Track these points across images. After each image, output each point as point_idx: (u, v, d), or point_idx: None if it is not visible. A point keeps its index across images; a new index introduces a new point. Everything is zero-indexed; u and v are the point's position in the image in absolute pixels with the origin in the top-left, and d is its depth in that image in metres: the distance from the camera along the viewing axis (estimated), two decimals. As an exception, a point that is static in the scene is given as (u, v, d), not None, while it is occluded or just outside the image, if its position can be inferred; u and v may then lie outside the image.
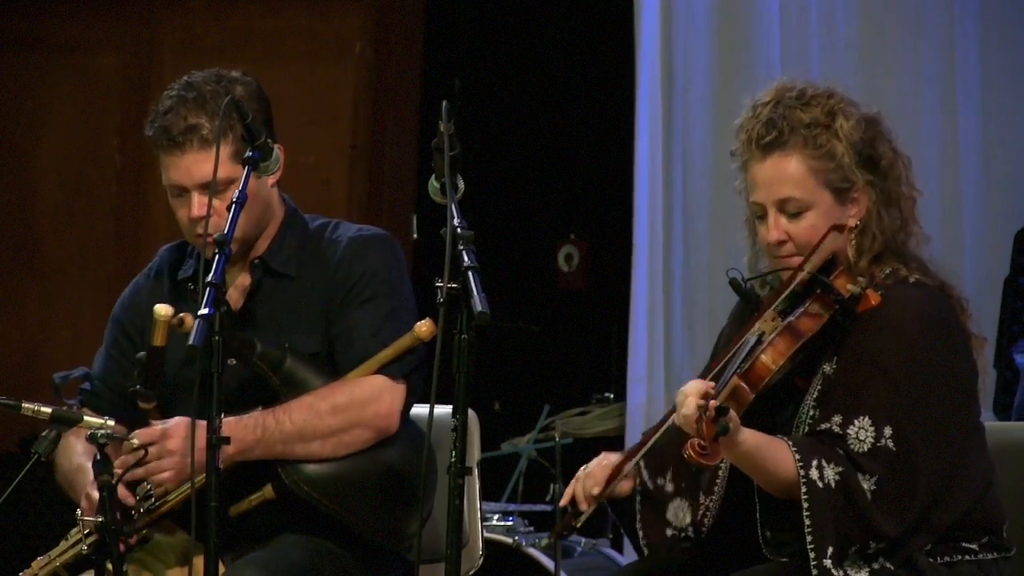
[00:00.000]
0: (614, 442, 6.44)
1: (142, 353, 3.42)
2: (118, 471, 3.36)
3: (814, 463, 3.13)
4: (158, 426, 3.45)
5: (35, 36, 7.15)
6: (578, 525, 3.44)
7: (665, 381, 6.33)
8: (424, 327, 3.51)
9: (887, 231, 3.27)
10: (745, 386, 3.17)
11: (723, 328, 3.58)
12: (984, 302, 6.01)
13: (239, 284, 3.65)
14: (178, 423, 3.45)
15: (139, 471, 3.43)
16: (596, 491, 3.38)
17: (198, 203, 3.51)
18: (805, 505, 3.12)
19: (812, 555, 3.11)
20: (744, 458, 3.16)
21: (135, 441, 3.42)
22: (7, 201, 7.11)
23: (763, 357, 3.18)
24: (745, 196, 3.34)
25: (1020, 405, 5.41)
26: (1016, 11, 6.30)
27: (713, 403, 3.05)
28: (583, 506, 3.38)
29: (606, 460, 3.44)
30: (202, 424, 3.19)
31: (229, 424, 3.36)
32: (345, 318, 3.57)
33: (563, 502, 3.42)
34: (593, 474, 3.41)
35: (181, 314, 3.35)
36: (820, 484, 3.12)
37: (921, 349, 3.19)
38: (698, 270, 6.42)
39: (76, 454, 3.60)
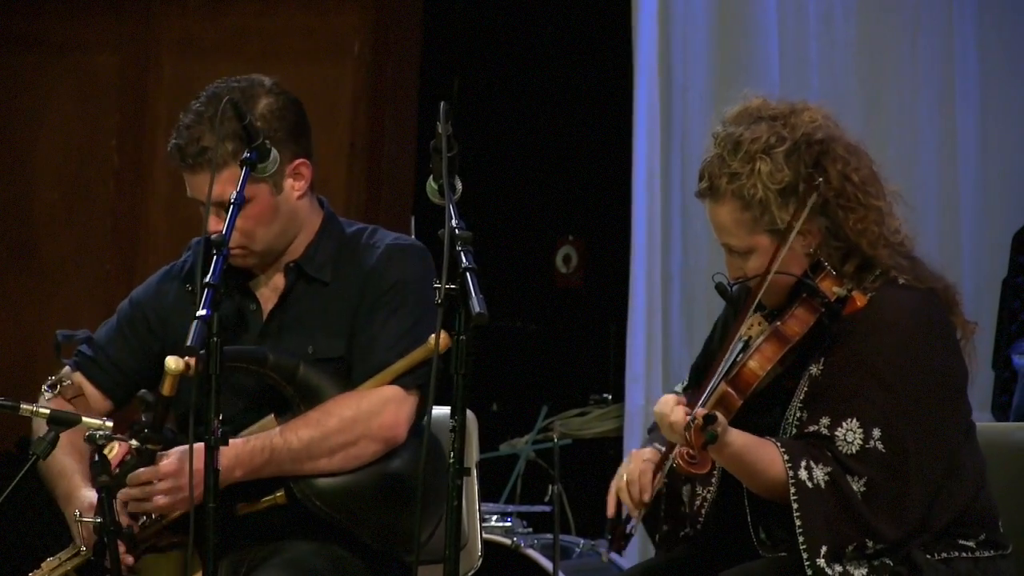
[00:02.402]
0: (613, 443, 6.45)
1: (145, 391, 3.40)
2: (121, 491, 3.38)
3: (803, 463, 3.14)
4: (151, 468, 3.43)
5: (33, 35, 7.14)
6: (634, 533, 3.39)
7: (663, 381, 6.33)
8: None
9: (854, 244, 3.25)
10: (733, 392, 3.18)
11: (716, 322, 3.59)
12: (982, 302, 6.01)
13: (273, 284, 3.65)
14: (175, 457, 3.43)
15: (146, 505, 3.44)
16: (647, 497, 3.32)
17: (214, 220, 3.50)
18: (795, 506, 3.13)
19: (805, 555, 3.12)
20: (733, 460, 3.16)
21: (134, 442, 3.41)
22: (4, 200, 7.10)
23: (750, 363, 3.19)
24: None
25: (1019, 406, 5.41)
26: (1014, 11, 6.30)
27: (700, 411, 3.05)
28: (635, 513, 3.33)
29: (643, 462, 3.36)
30: (200, 449, 3.17)
31: (236, 447, 3.38)
32: (370, 326, 3.57)
33: (609, 513, 3.36)
34: (637, 480, 3.33)
35: (188, 359, 3.33)
36: (809, 484, 3.13)
37: (911, 351, 3.20)
38: (697, 270, 6.41)
39: (59, 451, 3.53)
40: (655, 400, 6.23)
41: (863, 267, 3.27)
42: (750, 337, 3.24)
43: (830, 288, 3.22)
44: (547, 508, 5.93)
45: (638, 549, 6.06)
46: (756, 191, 3.22)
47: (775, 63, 6.39)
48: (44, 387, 3.62)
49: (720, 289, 3.34)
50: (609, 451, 6.56)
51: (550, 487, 5.85)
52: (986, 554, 3.26)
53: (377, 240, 3.67)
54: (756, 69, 6.36)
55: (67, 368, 3.68)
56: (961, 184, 6.24)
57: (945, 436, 3.22)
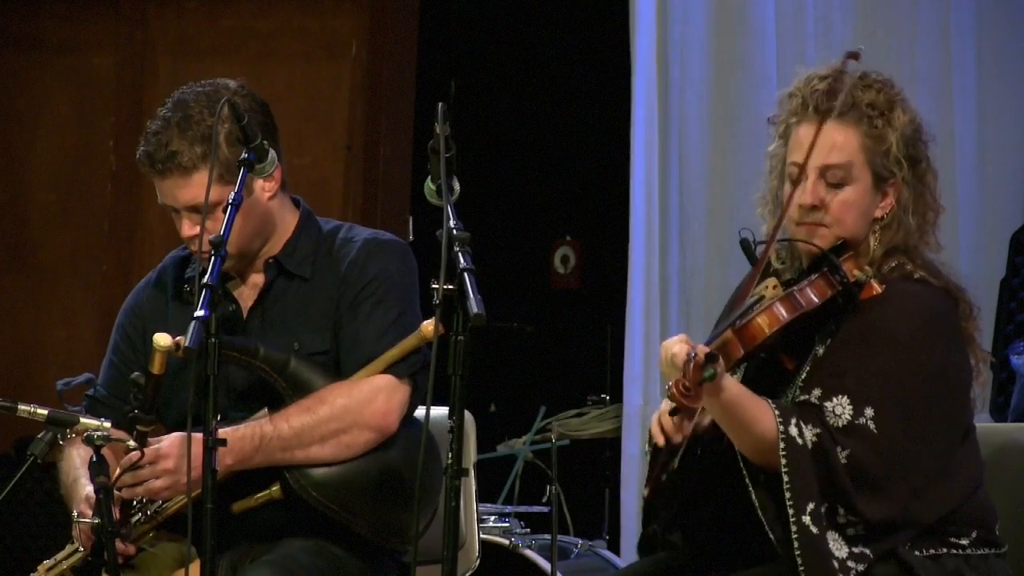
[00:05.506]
0: (611, 444, 6.45)
1: (137, 374, 3.40)
2: (117, 472, 3.36)
3: (793, 420, 3.15)
4: (152, 445, 3.43)
5: (29, 36, 7.13)
6: (676, 465, 3.31)
7: (661, 382, 6.33)
8: (431, 327, 3.50)
9: (907, 231, 3.32)
10: (737, 341, 3.17)
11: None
12: (980, 303, 6.00)
13: (253, 282, 3.67)
14: (172, 441, 3.44)
15: (138, 490, 3.43)
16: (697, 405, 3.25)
17: (187, 224, 3.55)
18: (783, 461, 3.12)
19: (791, 511, 3.11)
20: (726, 408, 3.15)
21: (131, 444, 3.41)
22: (1, 202, 7.09)
23: (759, 319, 3.18)
24: (779, 159, 3.36)
25: (1016, 407, 5.41)
26: (1012, 13, 6.30)
27: (702, 348, 3.05)
28: (677, 438, 3.28)
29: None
30: (197, 439, 3.17)
31: (225, 434, 3.36)
32: (354, 319, 3.58)
33: (661, 441, 3.27)
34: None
35: (177, 338, 3.33)
36: (799, 441, 3.13)
37: (915, 344, 3.20)
38: (694, 271, 6.42)
39: (74, 467, 3.60)
40: (653, 400, 6.29)
41: (889, 254, 3.30)
42: (763, 296, 3.25)
43: (851, 270, 3.24)
44: (545, 508, 5.93)
45: (636, 547, 6.05)
46: (890, 132, 3.29)
47: (772, 65, 6.40)
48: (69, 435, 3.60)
49: (744, 245, 3.32)
50: (607, 452, 6.56)
51: (548, 488, 5.85)
52: (978, 552, 3.25)
53: (355, 235, 3.69)
54: (754, 71, 6.37)
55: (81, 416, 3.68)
56: (959, 185, 6.24)
57: (939, 433, 3.21)
